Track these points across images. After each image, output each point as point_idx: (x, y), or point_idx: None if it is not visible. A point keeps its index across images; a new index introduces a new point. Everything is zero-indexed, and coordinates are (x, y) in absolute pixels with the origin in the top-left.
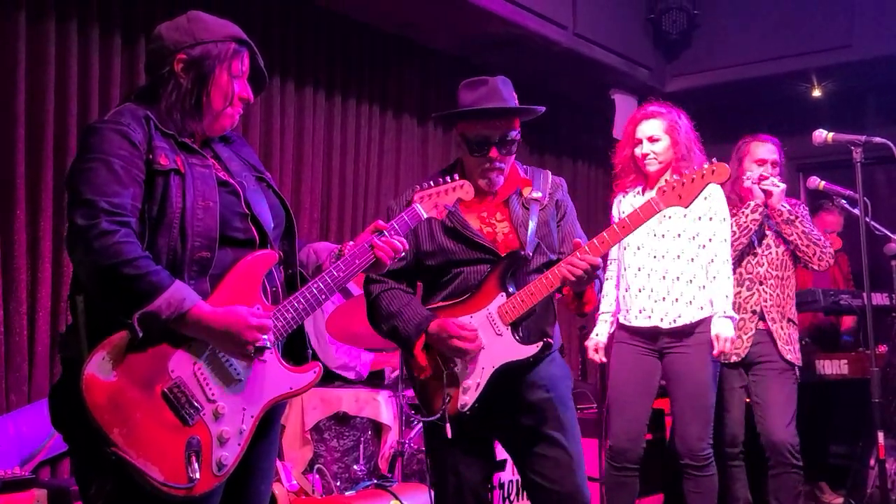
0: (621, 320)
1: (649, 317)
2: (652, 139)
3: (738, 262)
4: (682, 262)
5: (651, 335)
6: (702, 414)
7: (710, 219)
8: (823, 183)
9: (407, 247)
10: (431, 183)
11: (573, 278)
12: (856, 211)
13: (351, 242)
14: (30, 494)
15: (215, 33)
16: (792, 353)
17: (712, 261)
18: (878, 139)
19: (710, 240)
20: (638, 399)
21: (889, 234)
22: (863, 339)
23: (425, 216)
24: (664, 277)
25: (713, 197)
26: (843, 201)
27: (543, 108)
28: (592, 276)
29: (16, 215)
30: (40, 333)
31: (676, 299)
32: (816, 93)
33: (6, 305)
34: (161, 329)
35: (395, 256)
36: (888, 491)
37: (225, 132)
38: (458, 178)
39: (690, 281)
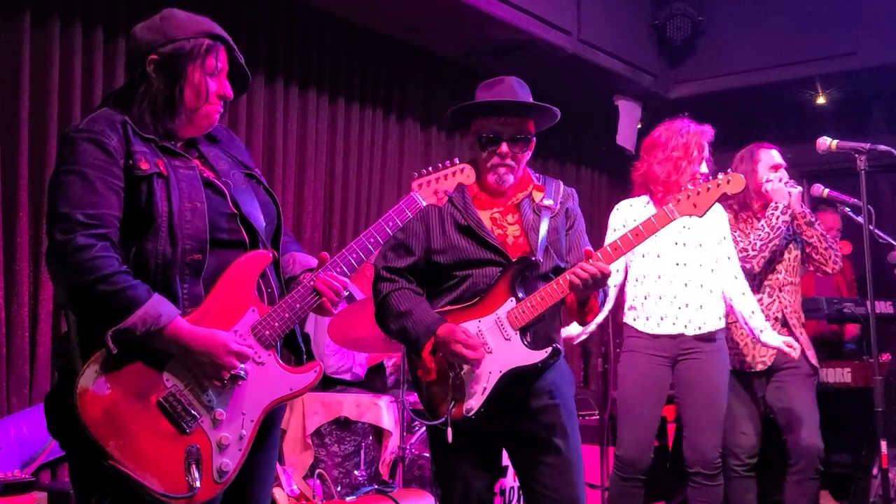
0: (639, 327)
1: (674, 323)
2: (708, 159)
3: (769, 265)
4: (704, 271)
5: (673, 342)
6: (716, 422)
7: (724, 238)
8: (827, 190)
9: (347, 283)
10: (430, 169)
11: (579, 283)
12: (860, 219)
13: (326, 254)
14: (30, 497)
15: (187, 30)
16: (813, 357)
17: (736, 277)
18: (882, 147)
19: (728, 258)
20: (649, 409)
21: (893, 241)
22: (866, 347)
23: (424, 203)
24: (686, 285)
25: (722, 216)
26: (847, 209)
27: (558, 110)
28: (600, 284)
29: (19, 217)
30: (42, 336)
31: (701, 306)
32: (821, 100)
33: (8, 308)
34: (138, 344)
35: (337, 300)
36: (891, 500)
37: (205, 131)
38: (457, 161)
39: (712, 291)
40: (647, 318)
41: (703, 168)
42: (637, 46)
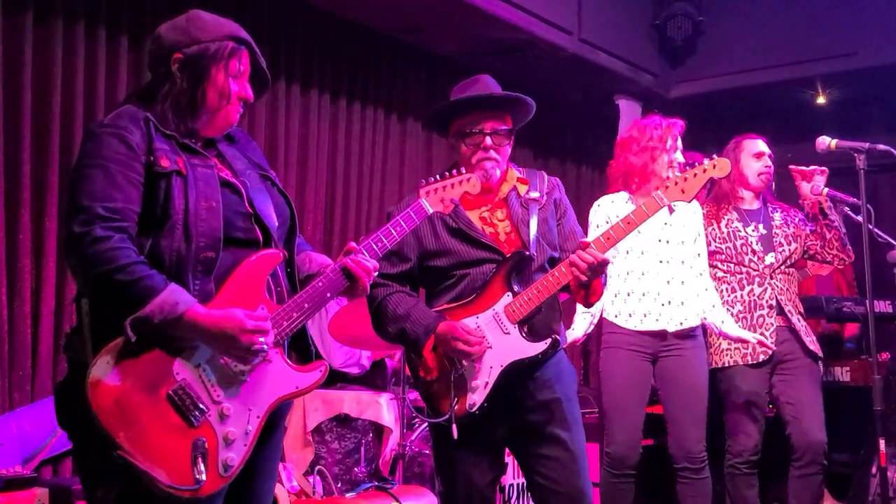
0: (621, 324)
1: (657, 320)
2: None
3: (744, 259)
4: (685, 267)
5: (655, 338)
6: (700, 417)
7: (699, 234)
8: (827, 190)
9: (377, 267)
10: (437, 177)
11: (583, 277)
12: (859, 218)
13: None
14: (31, 493)
15: (212, 32)
16: (813, 343)
17: (701, 274)
18: (881, 146)
19: (698, 255)
20: (636, 405)
21: (892, 241)
22: (865, 346)
23: (431, 211)
24: (669, 282)
25: (698, 213)
26: (846, 208)
27: (532, 100)
28: (599, 272)
29: (21, 214)
30: (44, 332)
31: (683, 303)
32: (821, 100)
33: (10, 304)
34: (156, 333)
35: (369, 279)
36: (889, 499)
37: (224, 132)
38: (464, 171)
39: (692, 287)
40: (630, 315)
41: (679, 156)
42: (638, 46)
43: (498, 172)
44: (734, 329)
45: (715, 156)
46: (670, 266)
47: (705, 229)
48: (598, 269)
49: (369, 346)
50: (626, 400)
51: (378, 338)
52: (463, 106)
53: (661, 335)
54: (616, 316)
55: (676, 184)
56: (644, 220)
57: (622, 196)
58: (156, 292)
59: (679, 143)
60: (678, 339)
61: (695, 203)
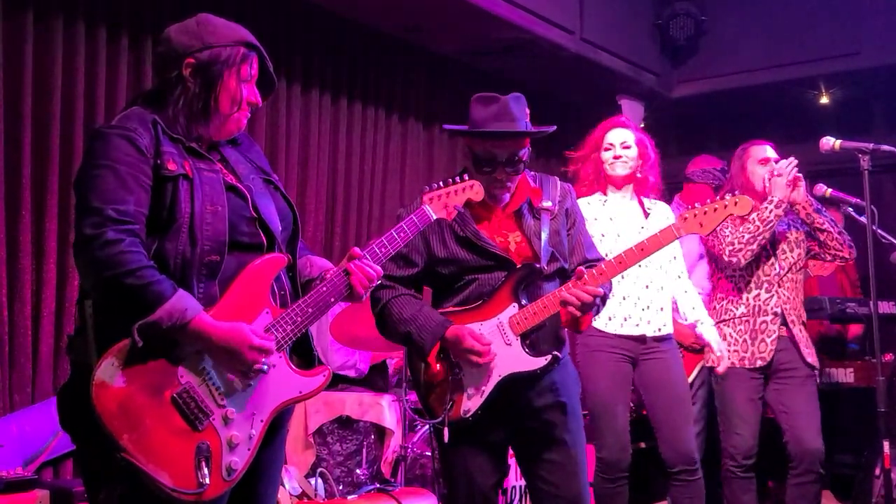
0: (601, 327)
1: (637, 324)
2: (624, 145)
3: (755, 263)
4: (662, 272)
5: (635, 342)
6: (689, 418)
7: None
8: (830, 190)
9: (381, 273)
10: (441, 184)
11: (577, 312)
12: (862, 219)
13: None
14: (32, 495)
15: (224, 37)
16: (811, 356)
17: (679, 277)
18: (885, 147)
19: (674, 257)
20: (622, 407)
21: (895, 242)
22: (869, 347)
23: (434, 217)
24: (647, 287)
25: (671, 218)
26: (850, 209)
27: (553, 128)
28: (591, 306)
29: (21, 216)
30: (44, 334)
31: (661, 308)
32: (824, 100)
33: (11, 306)
34: (162, 338)
35: (369, 285)
36: (893, 501)
37: (232, 136)
38: (467, 178)
39: (669, 293)
40: (611, 319)
41: (606, 156)
42: (640, 46)
43: (508, 197)
44: (710, 333)
45: (736, 192)
46: (648, 270)
47: (734, 227)
48: (590, 305)
49: (370, 346)
50: (613, 404)
51: (379, 339)
52: (482, 135)
53: (641, 339)
54: (595, 319)
55: (695, 216)
56: (658, 249)
57: (596, 197)
58: (165, 298)
59: (612, 137)
60: (657, 342)
61: (667, 207)
